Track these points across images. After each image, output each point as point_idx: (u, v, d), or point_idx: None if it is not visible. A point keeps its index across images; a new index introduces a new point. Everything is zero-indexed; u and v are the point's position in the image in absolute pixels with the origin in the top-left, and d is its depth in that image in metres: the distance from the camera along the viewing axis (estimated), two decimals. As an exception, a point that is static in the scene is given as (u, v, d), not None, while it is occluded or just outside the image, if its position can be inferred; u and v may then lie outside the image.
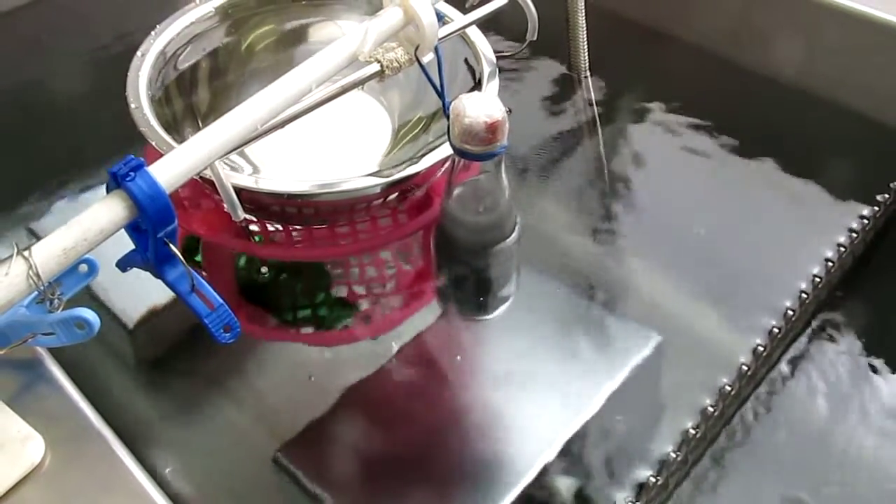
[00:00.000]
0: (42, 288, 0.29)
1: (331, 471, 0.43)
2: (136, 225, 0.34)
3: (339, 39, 0.41)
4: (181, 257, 0.35)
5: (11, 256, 0.29)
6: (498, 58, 0.53)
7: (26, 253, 0.29)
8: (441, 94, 0.46)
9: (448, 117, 0.44)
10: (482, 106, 0.43)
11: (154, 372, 0.49)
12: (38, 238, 0.55)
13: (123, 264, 0.37)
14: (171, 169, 0.33)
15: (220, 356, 0.48)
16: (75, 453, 0.31)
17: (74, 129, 0.63)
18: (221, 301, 0.36)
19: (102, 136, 0.62)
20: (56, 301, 0.31)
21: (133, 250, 0.36)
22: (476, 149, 0.43)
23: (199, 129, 0.53)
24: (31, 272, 0.29)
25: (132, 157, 0.32)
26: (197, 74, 0.56)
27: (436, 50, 0.45)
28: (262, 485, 0.43)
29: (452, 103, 0.43)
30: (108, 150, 0.61)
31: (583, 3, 0.61)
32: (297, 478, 0.42)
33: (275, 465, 0.43)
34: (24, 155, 0.60)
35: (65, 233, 0.30)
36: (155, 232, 0.33)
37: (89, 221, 0.31)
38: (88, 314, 0.31)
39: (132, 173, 0.32)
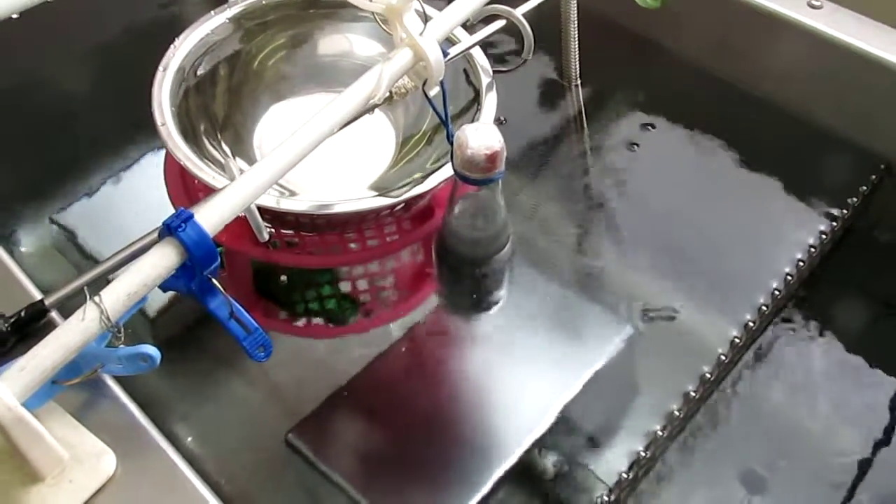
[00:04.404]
0: (112, 329, 0.34)
1: (337, 447, 0.48)
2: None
3: (357, 83, 0.45)
4: (222, 290, 0.39)
5: (86, 303, 0.34)
6: (495, 72, 0.58)
7: (97, 299, 0.34)
8: (446, 124, 0.50)
9: (451, 144, 0.48)
10: (482, 138, 0.47)
11: (174, 355, 0.54)
12: (60, 226, 0.60)
13: (165, 288, 0.42)
14: (214, 216, 0.38)
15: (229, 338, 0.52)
16: (142, 465, 0.36)
17: (91, 123, 0.66)
18: (257, 325, 0.41)
19: (118, 130, 0.65)
20: (120, 335, 0.36)
21: (175, 276, 0.41)
22: (476, 176, 0.48)
23: (217, 137, 0.57)
24: (102, 316, 0.34)
25: (183, 209, 0.37)
26: (214, 82, 0.59)
27: (441, 83, 0.49)
28: (276, 458, 0.48)
29: (456, 134, 0.48)
30: (124, 143, 0.65)
31: (575, 15, 0.65)
32: (307, 455, 0.47)
33: (286, 444, 0.47)
34: (44, 148, 0.64)
35: (129, 280, 0.35)
36: (201, 271, 0.38)
37: (149, 268, 0.36)
38: (151, 350, 0.36)
39: (183, 224, 0.36)
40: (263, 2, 0.61)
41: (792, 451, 0.51)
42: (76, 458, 0.35)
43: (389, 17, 0.46)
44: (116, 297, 0.34)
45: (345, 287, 0.56)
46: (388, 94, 0.49)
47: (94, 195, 0.62)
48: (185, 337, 0.53)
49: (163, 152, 0.59)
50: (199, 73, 0.58)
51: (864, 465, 0.51)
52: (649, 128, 0.66)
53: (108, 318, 0.34)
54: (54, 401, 0.37)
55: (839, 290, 0.60)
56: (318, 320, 0.54)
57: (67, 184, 0.62)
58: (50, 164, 0.63)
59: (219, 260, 0.39)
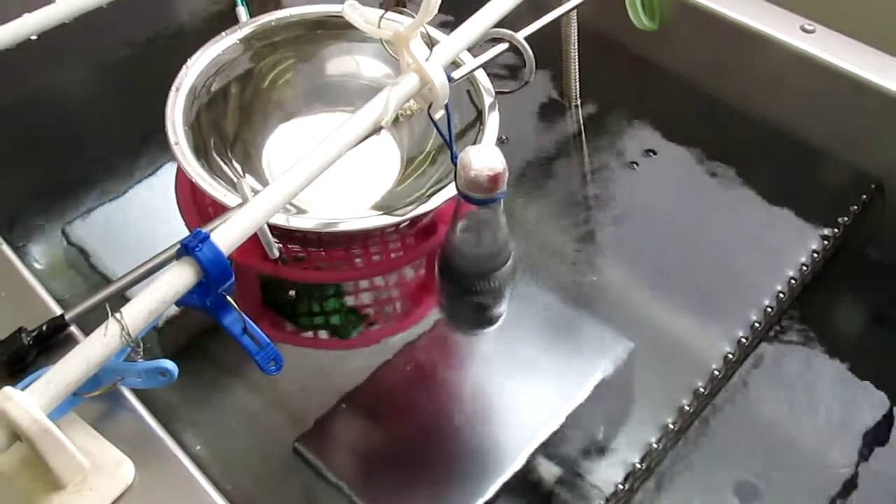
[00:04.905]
0: (131, 344, 0.36)
1: (343, 455, 0.49)
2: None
3: (365, 107, 0.47)
4: (235, 306, 0.41)
5: (108, 319, 0.36)
6: (497, 93, 0.59)
7: (118, 316, 0.36)
8: (450, 145, 0.52)
9: (455, 165, 0.50)
10: (485, 159, 0.48)
11: (182, 364, 0.56)
12: (72, 239, 0.61)
13: (181, 303, 0.44)
14: (229, 236, 0.40)
15: (236, 348, 0.53)
16: (159, 474, 0.38)
17: (103, 139, 0.67)
18: (268, 340, 0.42)
19: (130, 145, 0.67)
20: (139, 350, 0.38)
21: (190, 293, 0.42)
22: (479, 196, 0.49)
23: (227, 155, 0.59)
24: (123, 332, 0.36)
25: (200, 230, 0.38)
26: (225, 101, 0.61)
27: (446, 106, 0.51)
28: (283, 466, 0.50)
29: (459, 155, 0.49)
30: (136, 157, 0.66)
31: (576, 37, 0.67)
32: (313, 463, 0.48)
33: (293, 452, 0.48)
34: (58, 162, 0.65)
35: (148, 297, 0.37)
36: (216, 288, 0.40)
37: (167, 286, 0.37)
38: (169, 364, 0.38)
39: (200, 244, 0.38)
40: (273, 23, 0.62)
41: (786, 463, 0.53)
42: (96, 467, 0.37)
43: (397, 43, 0.48)
44: (136, 313, 0.36)
45: (350, 301, 0.57)
46: (394, 116, 0.51)
47: (106, 208, 0.63)
48: (193, 346, 0.54)
49: (171, 166, 0.61)
50: (211, 88, 0.59)
51: (858, 477, 0.52)
52: (647, 146, 0.68)
53: (128, 334, 0.35)
54: (74, 411, 0.39)
55: (831, 306, 0.61)
56: (323, 333, 0.56)
57: (79, 197, 0.63)
58: (63, 178, 0.64)
59: (233, 278, 0.40)
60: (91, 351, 0.35)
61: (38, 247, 0.61)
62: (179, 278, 0.37)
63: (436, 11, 0.45)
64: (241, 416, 0.52)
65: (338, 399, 0.51)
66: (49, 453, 0.35)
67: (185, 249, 0.38)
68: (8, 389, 0.34)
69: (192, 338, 0.55)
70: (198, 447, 0.47)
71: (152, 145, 0.65)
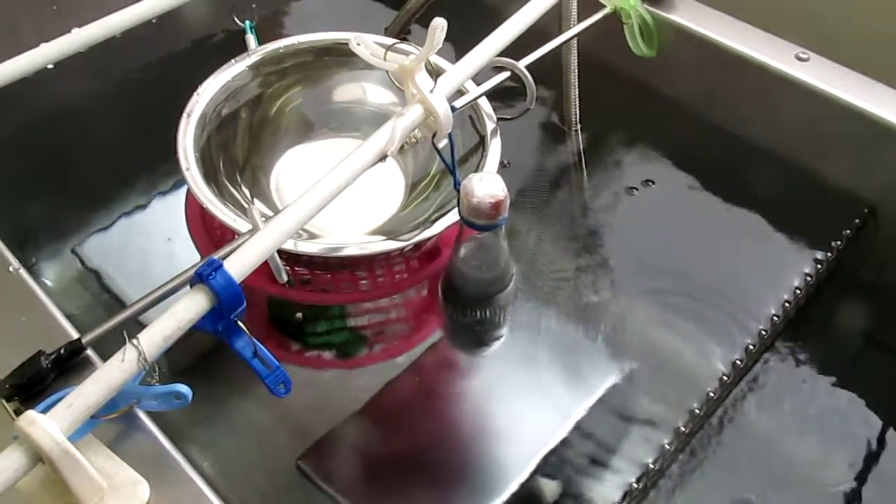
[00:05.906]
0: (147, 368, 0.38)
1: (345, 473, 0.50)
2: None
3: (372, 137, 0.48)
4: (247, 331, 0.43)
5: (125, 345, 0.37)
6: (499, 119, 0.61)
7: (135, 342, 0.37)
8: (453, 173, 0.53)
9: (458, 192, 0.52)
10: (487, 187, 0.50)
11: (188, 382, 0.57)
12: (82, 258, 0.62)
13: (193, 328, 0.45)
14: (241, 264, 0.41)
15: (244, 368, 0.54)
16: (173, 494, 0.39)
17: (113, 161, 0.69)
18: (278, 364, 0.44)
19: (138, 168, 0.68)
20: (155, 374, 0.39)
21: (203, 318, 0.44)
22: (481, 222, 0.51)
23: (236, 179, 0.61)
24: (140, 357, 0.37)
25: (213, 258, 0.40)
26: (234, 127, 0.62)
27: (449, 135, 0.52)
28: (287, 483, 0.51)
29: (462, 183, 0.51)
30: (144, 179, 0.68)
31: (576, 64, 0.69)
32: (316, 481, 0.50)
33: (297, 469, 0.49)
34: (69, 184, 0.67)
35: (164, 323, 0.38)
36: (229, 314, 0.41)
37: (182, 312, 0.39)
38: (184, 388, 0.40)
39: (214, 273, 0.40)
40: (281, 50, 0.64)
41: (782, 481, 0.54)
42: (113, 487, 0.38)
43: (402, 75, 0.50)
44: (152, 339, 0.38)
45: (354, 322, 0.59)
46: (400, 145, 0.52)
47: (116, 229, 0.65)
48: (202, 366, 0.55)
49: (181, 189, 0.63)
50: (220, 118, 0.61)
51: (852, 495, 0.53)
52: (645, 170, 0.69)
53: (145, 360, 0.37)
54: (92, 433, 0.41)
55: (824, 328, 0.63)
56: (328, 353, 0.57)
57: (90, 219, 0.65)
58: (75, 201, 0.66)
59: (245, 304, 0.42)
60: (109, 376, 0.37)
61: (49, 267, 0.62)
62: (194, 305, 0.39)
63: (440, 46, 0.47)
64: (246, 433, 0.53)
65: (340, 418, 0.52)
66: (70, 475, 0.36)
67: (199, 278, 0.40)
68: (31, 413, 0.35)
69: (201, 358, 0.56)
70: (204, 464, 0.48)
71: (163, 169, 0.67)
